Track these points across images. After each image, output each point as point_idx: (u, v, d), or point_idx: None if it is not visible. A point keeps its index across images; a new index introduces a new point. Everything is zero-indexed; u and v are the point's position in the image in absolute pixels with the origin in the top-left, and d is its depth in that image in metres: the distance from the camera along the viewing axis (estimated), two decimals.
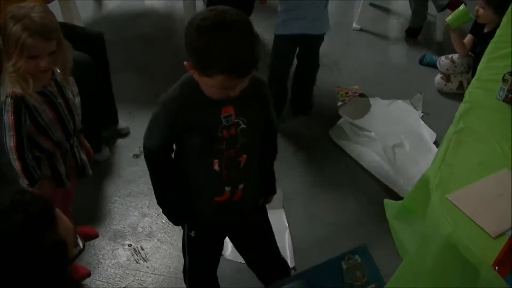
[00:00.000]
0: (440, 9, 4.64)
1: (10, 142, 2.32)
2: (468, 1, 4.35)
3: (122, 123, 3.83)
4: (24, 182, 2.43)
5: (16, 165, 2.37)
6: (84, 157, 2.68)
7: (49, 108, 2.38)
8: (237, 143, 2.04)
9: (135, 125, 3.78)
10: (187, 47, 1.79)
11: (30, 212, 1.39)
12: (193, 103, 1.94)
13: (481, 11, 4.03)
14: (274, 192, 2.43)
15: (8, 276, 1.35)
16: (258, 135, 2.13)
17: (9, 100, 2.26)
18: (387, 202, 2.85)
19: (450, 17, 4.12)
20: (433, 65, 4.56)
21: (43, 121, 2.37)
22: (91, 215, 3.20)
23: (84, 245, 1.57)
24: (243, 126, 2.02)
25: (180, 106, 1.96)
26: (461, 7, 4.11)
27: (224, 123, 1.98)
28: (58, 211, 1.47)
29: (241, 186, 2.15)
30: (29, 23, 2.20)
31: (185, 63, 1.84)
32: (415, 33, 5.06)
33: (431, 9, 4.89)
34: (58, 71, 2.45)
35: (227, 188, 2.13)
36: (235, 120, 1.99)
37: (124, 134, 3.79)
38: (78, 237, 1.54)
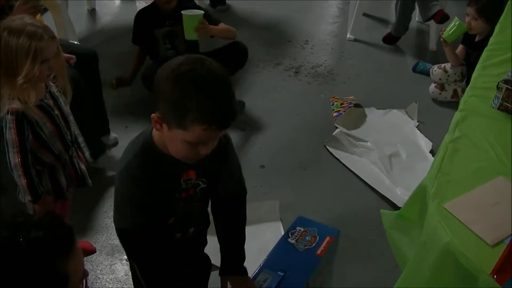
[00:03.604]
0: (426, 19, 4.70)
1: (15, 159, 2.33)
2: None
3: (112, 134, 3.84)
4: (26, 198, 2.43)
5: (22, 181, 2.38)
6: (83, 167, 2.71)
7: (48, 121, 2.40)
8: (195, 200, 2.00)
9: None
10: (159, 95, 1.64)
11: (51, 234, 1.38)
12: (152, 175, 1.82)
13: (473, 22, 4.06)
14: (241, 271, 2.22)
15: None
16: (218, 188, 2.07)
17: (9, 117, 2.27)
18: (384, 212, 2.85)
19: (446, 32, 4.14)
20: (427, 73, 4.58)
21: (44, 135, 2.40)
22: (88, 230, 3.19)
23: None
24: (203, 186, 1.97)
25: (137, 181, 1.82)
26: (455, 20, 4.13)
27: (183, 186, 1.91)
28: (78, 248, 1.46)
29: (191, 230, 2.11)
30: (33, 30, 2.24)
31: (152, 116, 1.68)
32: (394, 40, 5.09)
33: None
34: (51, 83, 2.47)
35: (178, 234, 2.08)
36: (195, 182, 1.94)
37: (111, 145, 3.78)
38: (84, 284, 1.53)
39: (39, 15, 3.27)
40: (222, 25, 3.95)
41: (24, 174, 2.37)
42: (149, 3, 4.07)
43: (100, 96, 3.71)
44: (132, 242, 1.97)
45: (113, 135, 3.83)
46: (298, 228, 2.50)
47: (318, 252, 2.39)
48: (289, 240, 2.45)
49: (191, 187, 1.94)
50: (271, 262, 2.36)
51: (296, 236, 2.46)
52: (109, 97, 3.91)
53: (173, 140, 1.69)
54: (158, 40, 3.93)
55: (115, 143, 3.80)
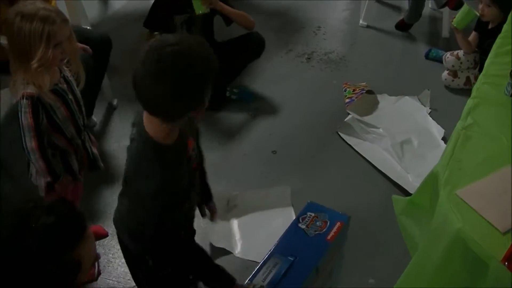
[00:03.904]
0: (440, 6, 4.66)
1: (31, 143, 2.36)
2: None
3: (93, 118, 3.88)
4: (44, 181, 2.46)
5: (40, 164, 2.42)
6: (95, 150, 2.73)
7: (62, 105, 2.42)
8: (196, 175, 2.08)
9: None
10: (186, 92, 1.69)
11: (62, 219, 1.39)
12: (178, 170, 1.88)
13: (486, 9, 4.03)
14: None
15: (10, 274, 1.35)
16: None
17: (25, 101, 2.29)
18: (395, 198, 2.85)
19: (456, 18, 4.11)
20: (439, 60, 4.55)
21: (58, 119, 2.42)
22: (100, 214, 3.21)
23: (98, 274, 1.57)
24: (197, 160, 2.07)
25: (175, 193, 1.88)
26: (465, 6, 4.11)
27: (191, 153, 1.98)
28: (90, 233, 1.47)
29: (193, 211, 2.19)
30: (46, 13, 2.26)
31: (197, 117, 1.80)
32: (406, 27, 5.06)
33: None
34: (65, 67, 2.48)
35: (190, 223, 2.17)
36: (193, 152, 2.00)
37: (90, 127, 3.78)
38: (96, 267, 1.54)
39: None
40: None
41: (42, 157, 2.41)
42: None
43: (99, 81, 3.74)
44: (174, 244, 1.99)
45: (93, 119, 3.88)
46: (308, 213, 2.51)
47: (329, 237, 2.40)
48: (299, 225, 2.46)
49: (194, 159, 2.01)
50: (281, 247, 2.37)
51: (307, 221, 2.47)
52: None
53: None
54: (176, 26, 3.92)
55: (93, 126, 3.85)
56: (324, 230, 2.44)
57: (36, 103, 2.31)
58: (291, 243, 2.39)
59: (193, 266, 2.09)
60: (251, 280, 2.39)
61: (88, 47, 3.18)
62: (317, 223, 2.46)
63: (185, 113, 1.74)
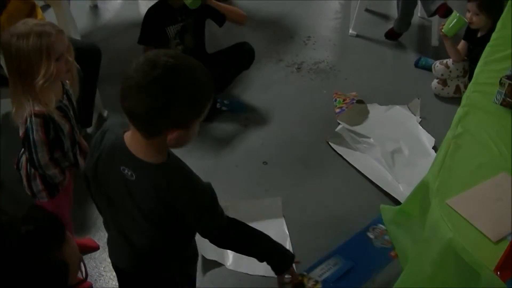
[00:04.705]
0: (429, 14, 4.66)
1: (45, 158, 2.37)
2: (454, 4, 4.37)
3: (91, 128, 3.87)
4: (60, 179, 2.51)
5: (56, 171, 2.45)
6: (83, 163, 2.71)
7: (67, 122, 2.42)
8: None
9: None
10: (185, 102, 1.65)
11: (41, 226, 1.39)
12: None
13: (474, 17, 4.05)
14: None
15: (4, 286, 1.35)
16: None
17: (36, 120, 2.27)
18: (384, 207, 2.86)
19: (446, 25, 4.13)
20: (429, 68, 4.57)
21: (63, 136, 2.40)
22: (91, 227, 3.19)
23: (86, 275, 1.57)
24: None
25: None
26: (454, 13, 4.13)
27: None
28: (69, 235, 1.47)
29: None
30: (40, 28, 2.25)
31: (170, 137, 1.69)
32: (396, 36, 5.08)
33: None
34: (67, 81, 2.48)
35: None
36: None
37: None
38: (83, 266, 1.54)
39: (40, 12, 3.28)
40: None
41: (56, 165, 2.44)
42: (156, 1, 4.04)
43: (93, 91, 3.73)
44: (235, 229, 2.04)
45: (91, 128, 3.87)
46: (380, 225, 2.51)
47: (393, 253, 2.39)
48: (368, 233, 2.46)
49: None
50: (345, 249, 2.38)
51: (377, 232, 2.49)
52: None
53: (192, 134, 1.75)
54: (170, 37, 3.91)
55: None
56: (390, 245, 2.44)
57: (47, 120, 2.30)
58: (355, 248, 2.40)
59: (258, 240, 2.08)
60: (307, 271, 2.39)
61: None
62: (386, 237, 2.47)
63: (173, 127, 1.68)
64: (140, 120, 1.67)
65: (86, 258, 2.99)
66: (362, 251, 2.42)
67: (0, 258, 1.33)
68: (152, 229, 1.89)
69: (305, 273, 2.45)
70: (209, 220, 1.90)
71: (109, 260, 2.96)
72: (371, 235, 2.46)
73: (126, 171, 1.80)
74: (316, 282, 2.41)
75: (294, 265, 2.14)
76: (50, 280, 1.39)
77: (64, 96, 2.46)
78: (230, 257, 3.00)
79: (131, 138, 1.77)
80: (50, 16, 3.71)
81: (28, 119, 2.28)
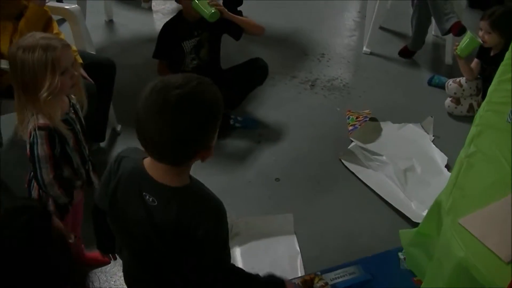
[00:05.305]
0: (443, 33, 4.65)
1: (49, 176, 2.34)
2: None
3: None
4: (64, 201, 2.48)
5: (59, 192, 2.41)
6: (97, 181, 2.70)
7: (72, 135, 2.41)
8: None
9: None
10: (205, 126, 1.69)
11: (34, 211, 1.46)
12: None
13: (487, 36, 4.05)
14: None
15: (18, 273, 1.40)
16: None
17: (41, 132, 2.27)
18: (402, 231, 2.84)
19: (459, 46, 4.14)
20: (442, 87, 4.56)
21: (69, 149, 2.40)
22: None
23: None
24: None
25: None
26: (468, 34, 4.13)
27: None
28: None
29: None
30: (46, 42, 2.25)
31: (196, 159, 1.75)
32: (410, 54, 5.08)
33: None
34: (72, 96, 2.48)
35: None
36: None
37: (93, 150, 3.71)
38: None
39: (56, 25, 3.30)
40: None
41: (60, 186, 2.40)
42: (173, 15, 4.06)
43: (107, 105, 3.74)
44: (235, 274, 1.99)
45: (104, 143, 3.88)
46: None
47: (416, 279, 2.37)
48: (400, 254, 2.42)
49: None
50: (368, 262, 2.35)
51: None
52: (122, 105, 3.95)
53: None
54: (185, 52, 3.93)
55: (95, 149, 3.80)
56: None
57: (52, 134, 2.29)
58: (380, 264, 2.38)
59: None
60: (321, 272, 2.37)
61: (89, 79, 3.20)
62: None
63: (194, 155, 1.72)
64: (165, 153, 1.69)
65: (97, 271, 3.00)
66: (386, 268, 2.40)
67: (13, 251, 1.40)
68: (169, 254, 1.89)
69: (318, 273, 2.44)
70: (222, 253, 1.89)
71: (119, 274, 2.98)
72: (401, 256, 2.43)
73: (147, 197, 1.80)
74: (326, 284, 2.40)
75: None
76: (58, 251, 1.48)
77: (71, 109, 2.46)
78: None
79: (152, 164, 1.78)
80: (66, 30, 3.73)
81: (33, 133, 2.28)
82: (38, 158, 2.30)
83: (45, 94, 2.23)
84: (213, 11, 3.63)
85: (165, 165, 1.73)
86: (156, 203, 1.79)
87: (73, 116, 2.46)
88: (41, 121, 2.27)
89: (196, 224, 1.76)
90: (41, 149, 2.29)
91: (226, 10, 3.77)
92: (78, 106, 2.51)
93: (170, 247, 1.85)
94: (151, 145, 1.68)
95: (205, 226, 1.77)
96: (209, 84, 1.71)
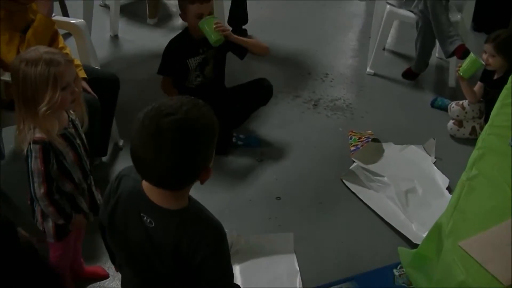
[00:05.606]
0: (447, 55, 4.65)
1: (40, 189, 2.34)
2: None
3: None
4: (57, 222, 2.46)
5: (50, 210, 2.40)
6: (100, 196, 2.70)
7: (71, 150, 2.41)
8: None
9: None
10: (204, 149, 1.71)
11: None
12: None
13: (491, 59, 4.06)
14: None
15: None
16: None
17: (35, 146, 2.27)
18: (401, 249, 2.83)
19: (462, 67, 4.15)
20: (445, 109, 4.56)
21: (67, 164, 2.40)
22: (102, 256, 3.19)
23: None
24: None
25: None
26: (471, 55, 4.14)
27: None
28: None
29: None
30: (50, 57, 2.26)
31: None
32: (413, 76, 5.09)
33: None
34: (71, 111, 2.49)
35: None
36: None
37: (95, 165, 3.71)
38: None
39: (62, 40, 3.32)
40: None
41: (51, 203, 2.39)
42: (179, 32, 4.07)
43: (110, 120, 3.75)
44: None
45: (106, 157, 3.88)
46: None
47: None
48: (394, 270, 2.44)
49: None
50: (363, 279, 2.35)
51: (402, 271, 2.45)
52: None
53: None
54: (190, 69, 3.94)
55: (97, 164, 3.79)
56: (411, 286, 2.41)
57: (47, 148, 2.29)
58: (376, 280, 2.38)
59: None
60: (318, 286, 2.36)
61: (91, 90, 3.21)
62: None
63: (191, 179, 1.73)
64: (162, 179, 1.70)
65: (96, 286, 2.99)
66: (381, 284, 2.40)
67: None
68: (170, 275, 1.88)
69: None
70: (221, 281, 1.90)
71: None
72: (396, 272, 2.44)
73: (145, 218, 1.80)
74: None
75: None
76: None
77: (70, 124, 2.46)
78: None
79: (150, 186, 1.77)
80: (71, 44, 3.75)
81: (28, 146, 2.29)
82: (31, 171, 2.31)
83: (44, 109, 2.24)
84: (217, 38, 3.68)
85: (163, 190, 1.74)
86: (153, 224, 1.78)
87: (72, 131, 2.46)
88: (38, 135, 2.28)
89: (194, 248, 1.76)
90: (35, 163, 2.30)
91: (231, 34, 3.80)
92: (77, 122, 2.51)
93: (170, 269, 1.85)
94: (147, 172, 1.69)
95: (203, 252, 1.77)
96: (202, 106, 1.70)
